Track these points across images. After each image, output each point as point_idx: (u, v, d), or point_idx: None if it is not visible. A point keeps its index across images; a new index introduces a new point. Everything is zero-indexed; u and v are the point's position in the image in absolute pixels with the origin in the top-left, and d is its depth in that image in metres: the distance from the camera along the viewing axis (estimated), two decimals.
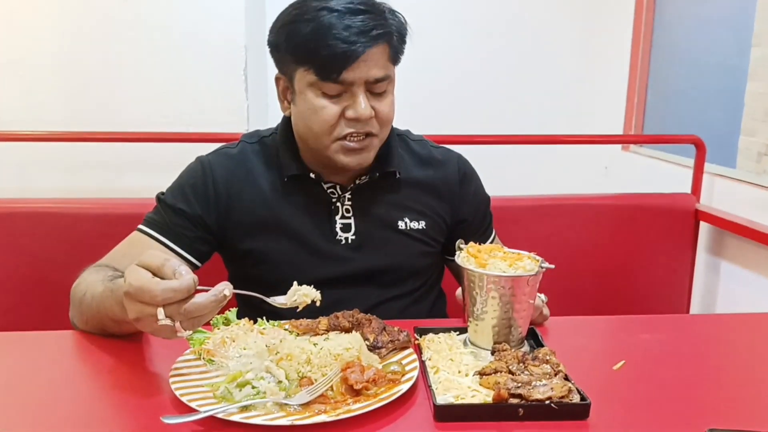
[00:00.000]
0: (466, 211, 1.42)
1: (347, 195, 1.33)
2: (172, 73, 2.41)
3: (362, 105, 1.20)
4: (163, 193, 1.34)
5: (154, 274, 0.89)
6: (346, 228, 1.33)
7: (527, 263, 1.00)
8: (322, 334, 1.08)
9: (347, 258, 1.32)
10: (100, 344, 1.11)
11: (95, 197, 1.93)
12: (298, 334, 1.09)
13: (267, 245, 1.33)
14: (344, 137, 1.23)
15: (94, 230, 1.83)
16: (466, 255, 1.04)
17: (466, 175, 1.43)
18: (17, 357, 1.08)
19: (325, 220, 1.33)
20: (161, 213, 1.31)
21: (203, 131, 2.09)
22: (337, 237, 1.33)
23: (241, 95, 2.35)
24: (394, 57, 1.25)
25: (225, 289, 0.90)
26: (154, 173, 2.22)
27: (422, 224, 1.37)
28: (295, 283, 1.07)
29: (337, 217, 1.33)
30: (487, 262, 1.00)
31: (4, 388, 0.97)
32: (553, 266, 0.98)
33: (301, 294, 1.05)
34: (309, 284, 1.09)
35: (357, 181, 1.33)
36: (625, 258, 2.10)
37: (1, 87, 2.40)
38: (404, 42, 1.27)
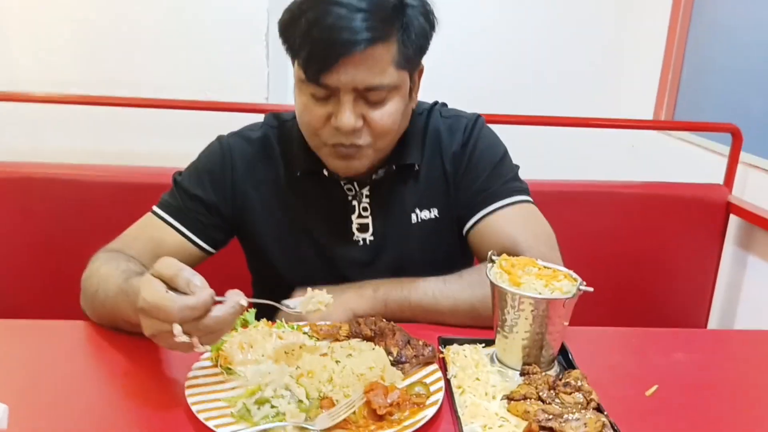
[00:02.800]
0: (467, 174, 1.26)
1: (365, 192, 1.25)
2: (191, 38, 2.32)
3: (346, 116, 1.07)
4: (180, 174, 1.28)
5: (167, 284, 0.84)
6: (363, 228, 1.26)
7: (564, 284, 0.95)
8: (342, 340, 1.05)
9: (365, 261, 1.25)
10: (114, 341, 1.07)
11: (109, 164, 1.88)
12: (318, 339, 1.05)
13: (281, 246, 1.27)
14: (333, 145, 1.13)
15: (108, 198, 1.80)
16: (499, 270, 0.98)
17: (471, 138, 1.27)
18: (26, 348, 1.05)
19: (342, 221, 1.25)
20: (176, 196, 1.25)
21: (221, 99, 2.02)
22: (354, 238, 1.25)
23: (262, 62, 2.25)
24: (403, 60, 1.09)
25: (240, 299, 0.86)
26: (171, 138, 2.17)
27: (434, 212, 1.27)
28: (309, 289, 1.02)
29: (354, 216, 1.25)
30: (521, 280, 0.95)
31: (7, 382, 0.94)
32: (591, 289, 0.93)
33: (315, 302, 0.99)
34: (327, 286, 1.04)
35: (374, 176, 1.23)
36: (649, 248, 2.05)
37: (17, 47, 2.32)
38: (423, 39, 1.12)
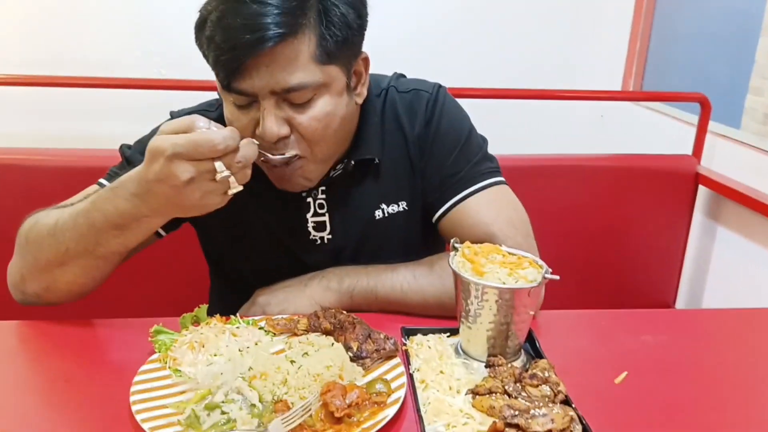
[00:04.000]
0: (433, 157, 1.17)
1: (320, 188, 1.16)
2: (143, 10, 2.19)
3: (267, 123, 0.97)
4: (129, 146, 1.18)
5: None
6: (320, 227, 1.18)
7: (530, 272, 0.91)
8: (300, 335, 0.99)
9: (326, 260, 1.17)
10: (57, 341, 1.01)
11: (58, 147, 1.79)
12: (274, 335, 1.00)
13: (236, 246, 1.20)
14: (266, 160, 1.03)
15: (59, 183, 1.69)
16: (462, 259, 0.94)
17: (433, 115, 1.17)
18: None
19: (296, 219, 1.17)
20: (125, 168, 1.16)
21: (177, 75, 1.92)
22: (311, 237, 1.18)
23: None
24: (324, 54, 0.97)
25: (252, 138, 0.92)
26: (124, 119, 2.07)
27: (403, 205, 1.19)
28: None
29: (309, 215, 1.17)
30: (485, 269, 0.90)
31: None
32: (557, 277, 0.89)
33: None
34: None
35: (331, 173, 1.14)
36: (617, 222, 2.03)
37: None
38: (346, 29, 0.98)
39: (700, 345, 1.09)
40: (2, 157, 1.73)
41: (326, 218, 1.17)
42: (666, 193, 2.03)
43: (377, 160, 1.16)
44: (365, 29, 1.05)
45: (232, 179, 0.88)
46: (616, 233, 2.04)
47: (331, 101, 1.02)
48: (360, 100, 1.11)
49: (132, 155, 1.16)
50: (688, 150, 2.07)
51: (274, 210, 1.17)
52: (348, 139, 1.12)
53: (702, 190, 2.04)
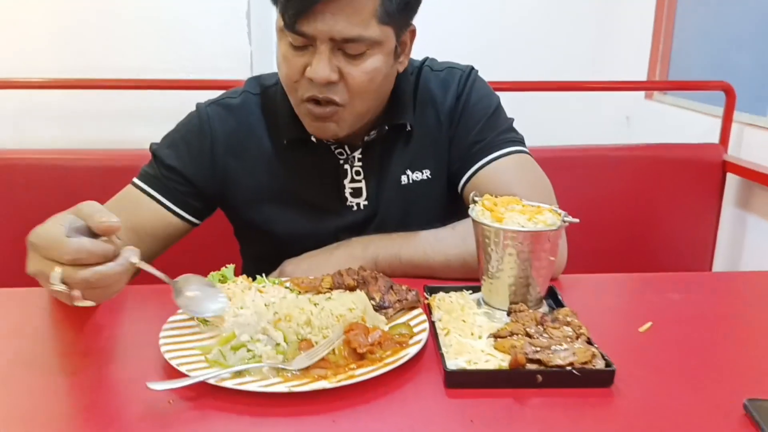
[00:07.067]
0: (462, 126, 1.23)
1: (356, 155, 1.22)
2: (171, 17, 2.27)
3: (320, 66, 1.03)
4: (156, 144, 1.24)
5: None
6: (356, 193, 1.23)
7: (548, 217, 0.91)
8: (325, 293, 1.01)
9: (360, 226, 1.22)
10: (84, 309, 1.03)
11: (93, 148, 1.85)
12: (299, 293, 1.02)
13: (270, 215, 1.24)
14: (308, 99, 1.09)
15: (93, 183, 1.76)
16: (481, 209, 0.95)
17: (464, 89, 1.24)
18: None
19: (334, 186, 1.23)
20: (153, 165, 1.22)
21: (204, 78, 1.99)
22: (348, 203, 1.23)
23: (243, 39, 2.22)
24: (386, 14, 1.04)
25: (131, 255, 0.82)
26: (155, 122, 2.13)
27: (426, 173, 1.24)
28: None
29: (346, 181, 1.22)
30: (504, 216, 0.92)
31: None
32: (577, 220, 0.90)
33: None
34: None
35: (366, 138, 1.20)
36: (647, 211, 2.02)
37: None
38: None
39: (729, 302, 1.08)
40: (38, 157, 1.80)
41: (362, 184, 1.23)
42: (694, 182, 2.01)
43: (409, 127, 1.21)
44: (421, 2, 1.11)
45: (76, 293, 0.78)
46: (644, 224, 2.03)
47: (381, 59, 1.08)
48: (401, 69, 1.18)
49: (158, 150, 1.22)
50: (714, 141, 2.05)
51: (311, 180, 1.22)
52: (383, 102, 1.19)
53: (730, 178, 2.02)
